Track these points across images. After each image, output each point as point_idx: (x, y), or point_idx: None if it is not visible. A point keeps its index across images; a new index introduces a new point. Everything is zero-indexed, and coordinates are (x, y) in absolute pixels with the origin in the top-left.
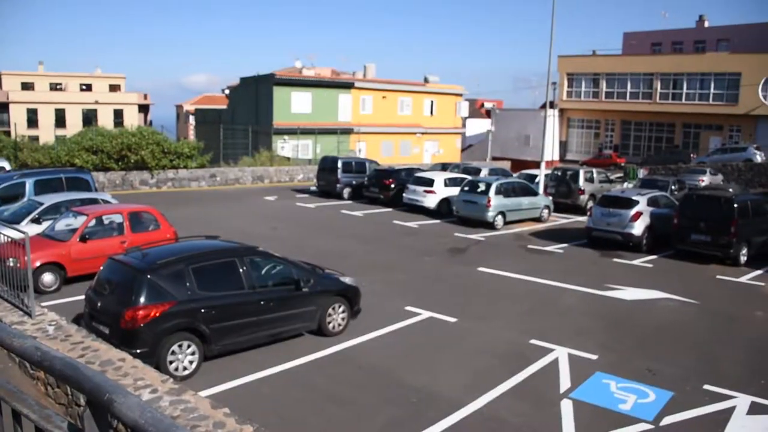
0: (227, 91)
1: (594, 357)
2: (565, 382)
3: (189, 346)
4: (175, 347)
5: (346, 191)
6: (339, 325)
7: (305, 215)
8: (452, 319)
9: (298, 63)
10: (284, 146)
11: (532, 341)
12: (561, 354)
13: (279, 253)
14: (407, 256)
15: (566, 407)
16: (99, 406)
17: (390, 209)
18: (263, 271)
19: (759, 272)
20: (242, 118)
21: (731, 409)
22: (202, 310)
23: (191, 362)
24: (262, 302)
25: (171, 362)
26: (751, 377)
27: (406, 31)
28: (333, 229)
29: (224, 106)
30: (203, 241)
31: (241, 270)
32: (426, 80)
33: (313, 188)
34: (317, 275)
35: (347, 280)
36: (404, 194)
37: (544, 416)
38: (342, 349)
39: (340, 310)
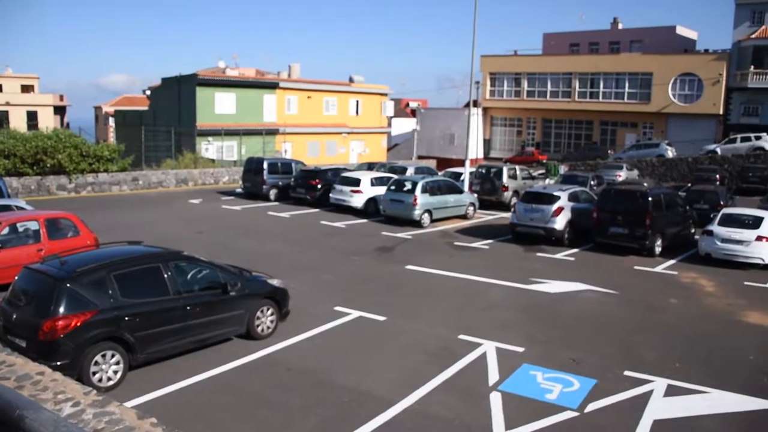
0: (148, 92)
1: (521, 349)
2: (493, 375)
3: (113, 356)
4: (98, 357)
5: (273, 192)
6: (268, 328)
7: (231, 218)
8: (381, 318)
9: (221, 63)
10: (208, 148)
11: (461, 336)
12: (489, 348)
13: (205, 257)
14: (335, 256)
15: (495, 400)
16: (9, 423)
17: (317, 210)
18: (189, 276)
19: (672, 262)
20: (164, 120)
21: (649, 393)
22: (126, 318)
23: (116, 372)
24: (188, 308)
25: (94, 373)
26: (667, 361)
27: (331, 31)
28: (260, 231)
29: (145, 108)
30: (125, 246)
31: (165, 275)
32: (351, 80)
33: (239, 190)
34: (244, 278)
35: (275, 282)
36: (331, 194)
37: (474, 410)
38: (271, 352)
39: (269, 312)
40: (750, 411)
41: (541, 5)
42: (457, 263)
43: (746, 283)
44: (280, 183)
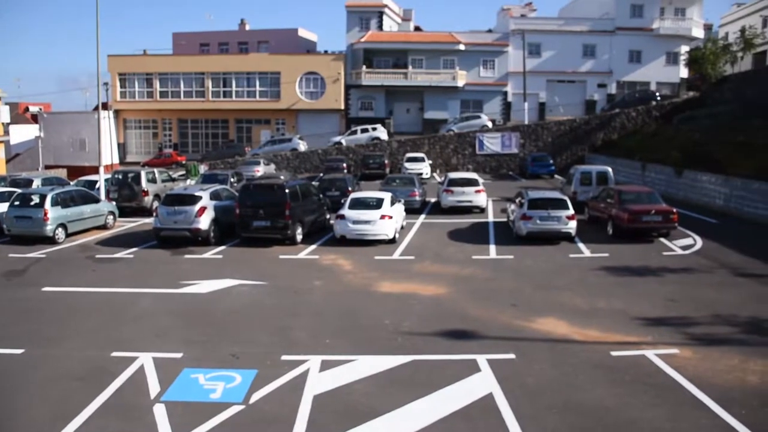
0: None
1: (179, 355)
2: (154, 387)
3: None
4: None
5: None
6: None
7: None
8: (18, 351)
9: None
10: None
11: (114, 354)
12: (146, 360)
13: None
14: None
15: (159, 411)
16: None
17: None
18: None
19: (313, 247)
20: None
21: (306, 372)
22: None
23: None
24: None
25: None
26: (318, 339)
27: None
28: None
29: None
30: None
31: None
32: None
33: None
34: None
35: None
36: None
37: (138, 427)
38: None
39: None
40: (391, 368)
41: (169, 4)
42: (101, 277)
43: (376, 257)
44: None
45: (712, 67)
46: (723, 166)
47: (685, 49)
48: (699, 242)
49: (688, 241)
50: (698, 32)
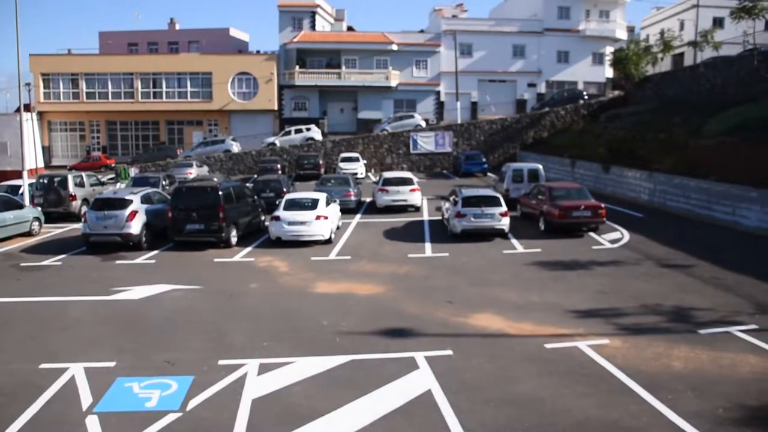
0: None
1: (112, 364)
2: (86, 399)
3: None
4: None
5: None
6: None
7: None
8: None
9: None
10: None
11: (43, 366)
12: (77, 370)
13: None
14: None
15: (92, 423)
16: None
17: None
18: None
19: (249, 249)
20: None
21: (244, 376)
22: None
23: None
24: None
25: None
26: (256, 342)
27: None
28: None
29: None
30: None
31: None
32: None
33: None
34: None
35: None
36: None
37: None
38: None
39: None
40: (330, 368)
41: (94, 3)
42: (27, 286)
43: (313, 258)
44: None
45: (635, 67)
46: (647, 162)
47: (609, 50)
48: (626, 236)
49: (616, 235)
50: (622, 34)
